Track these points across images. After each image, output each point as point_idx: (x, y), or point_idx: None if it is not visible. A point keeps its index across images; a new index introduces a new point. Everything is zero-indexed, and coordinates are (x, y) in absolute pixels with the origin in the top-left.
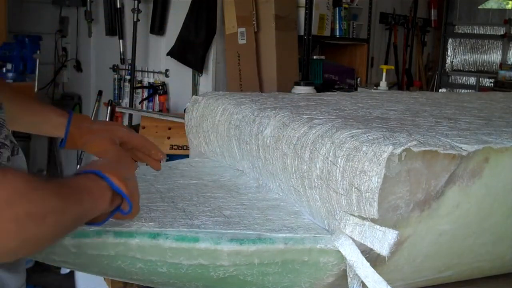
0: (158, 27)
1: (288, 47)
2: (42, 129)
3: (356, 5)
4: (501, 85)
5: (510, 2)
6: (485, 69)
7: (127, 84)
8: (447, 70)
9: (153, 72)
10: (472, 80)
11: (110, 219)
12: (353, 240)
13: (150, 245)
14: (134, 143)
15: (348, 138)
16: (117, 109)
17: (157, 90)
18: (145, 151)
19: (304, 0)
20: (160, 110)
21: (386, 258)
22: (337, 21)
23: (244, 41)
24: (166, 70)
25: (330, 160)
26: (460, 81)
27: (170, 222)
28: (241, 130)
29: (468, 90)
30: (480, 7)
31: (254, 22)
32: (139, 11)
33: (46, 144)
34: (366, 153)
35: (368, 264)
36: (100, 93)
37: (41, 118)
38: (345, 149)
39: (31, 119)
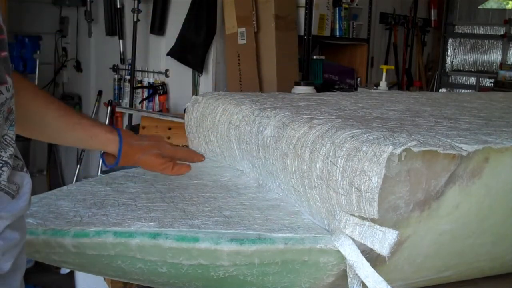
0: (158, 27)
1: (288, 47)
2: (91, 145)
3: (356, 5)
4: (501, 85)
5: (510, 2)
6: (485, 69)
7: (127, 84)
8: (447, 70)
9: (153, 72)
10: (472, 80)
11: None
12: (353, 240)
13: (150, 245)
14: (179, 156)
15: (348, 138)
16: (117, 109)
17: (157, 90)
18: (189, 160)
19: (304, 0)
20: (160, 110)
21: (386, 258)
22: (337, 21)
23: (244, 41)
24: (166, 70)
25: (330, 160)
26: (460, 81)
27: (170, 222)
28: (241, 130)
29: (468, 90)
30: (480, 7)
31: (254, 22)
32: (139, 11)
33: (46, 144)
34: (366, 153)
35: (368, 264)
36: (100, 93)
37: (90, 134)
38: (345, 149)
39: (80, 135)
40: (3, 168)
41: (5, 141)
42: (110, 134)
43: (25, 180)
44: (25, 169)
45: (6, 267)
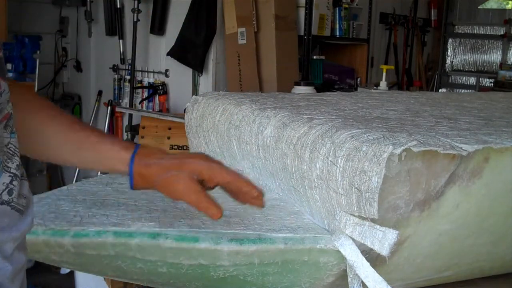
0: (158, 27)
1: (288, 47)
2: (104, 166)
3: (356, 5)
4: (501, 85)
5: (510, 2)
6: (485, 69)
7: (127, 84)
8: (447, 70)
9: (153, 72)
10: (472, 80)
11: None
12: (353, 240)
13: (150, 245)
14: (218, 179)
15: (348, 138)
16: (117, 109)
17: (157, 90)
18: (234, 188)
19: (304, 0)
20: (160, 110)
21: (386, 258)
22: (337, 21)
23: (244, 41)
24: (166, 70)
25: (330, 160)
26: (460, 81)
27: (170, 222)
28: (241, 130)
29: (468, 90)
30: (480, 7)
31: (254, 22)
32: (139, 11)
33: None
34: (366, 153)
35: (368, 264)
36: (100, 93)
37: (100, 153)
38: (345, 149)
39: (89, 155)
40: (13, 182)
41: (10, 150)
42: (123, 152)
43: (29, 190)
44: (25, 175)
45: None
